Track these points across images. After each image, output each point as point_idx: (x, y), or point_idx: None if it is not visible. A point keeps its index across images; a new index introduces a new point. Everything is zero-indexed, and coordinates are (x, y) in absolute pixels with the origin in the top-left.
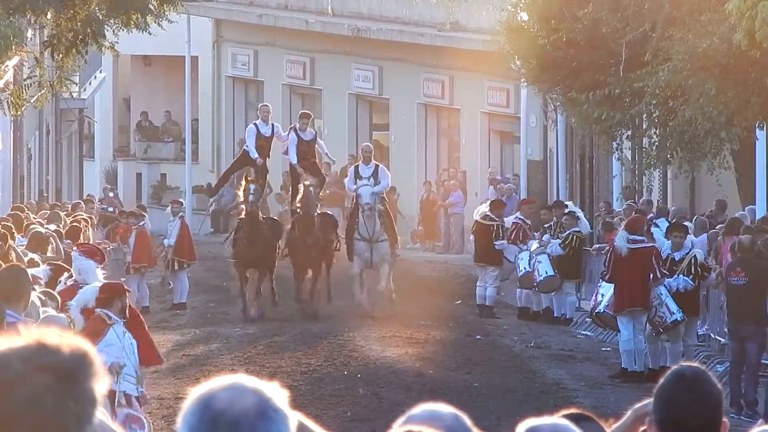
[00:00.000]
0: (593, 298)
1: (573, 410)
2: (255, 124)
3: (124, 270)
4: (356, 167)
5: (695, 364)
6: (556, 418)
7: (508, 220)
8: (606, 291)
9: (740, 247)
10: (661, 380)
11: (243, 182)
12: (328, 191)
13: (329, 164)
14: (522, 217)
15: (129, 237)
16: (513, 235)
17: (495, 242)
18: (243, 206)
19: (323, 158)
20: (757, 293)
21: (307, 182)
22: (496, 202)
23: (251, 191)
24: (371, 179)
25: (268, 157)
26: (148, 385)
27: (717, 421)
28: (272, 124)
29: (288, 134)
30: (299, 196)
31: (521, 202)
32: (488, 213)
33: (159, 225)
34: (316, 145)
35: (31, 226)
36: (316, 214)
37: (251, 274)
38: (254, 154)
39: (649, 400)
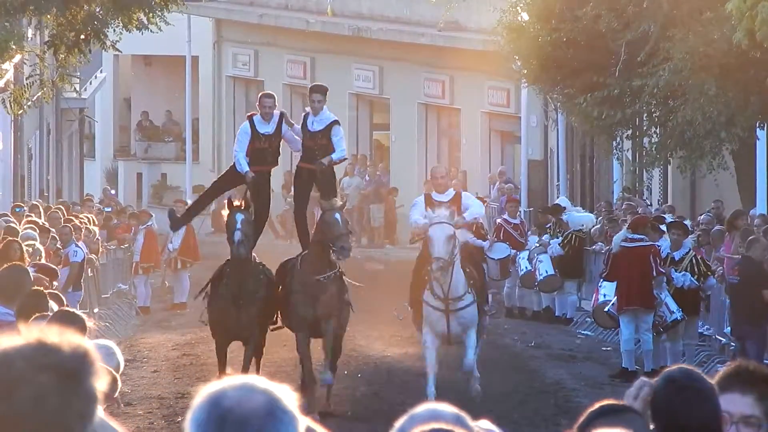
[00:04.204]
0: (594, 297)
1: (611, 401)
2: (251, 121)
3: (129, 270)
4: (426, 198)
5: (683, 365)
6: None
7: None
8: (607, 290)
9: (749, 246)
10: (654, 389)
11: (225, 209)
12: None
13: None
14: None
15: (129, 237)
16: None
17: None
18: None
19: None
20: (750, 292)
21: (327, 203)
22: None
23: (238, 226)
24: (450, 210)
25: (275, 164)
26: (149, 385)
27: (716, 415)
28: (276, 117)
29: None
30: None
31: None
32: None
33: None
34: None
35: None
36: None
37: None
38: (243, 167)
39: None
